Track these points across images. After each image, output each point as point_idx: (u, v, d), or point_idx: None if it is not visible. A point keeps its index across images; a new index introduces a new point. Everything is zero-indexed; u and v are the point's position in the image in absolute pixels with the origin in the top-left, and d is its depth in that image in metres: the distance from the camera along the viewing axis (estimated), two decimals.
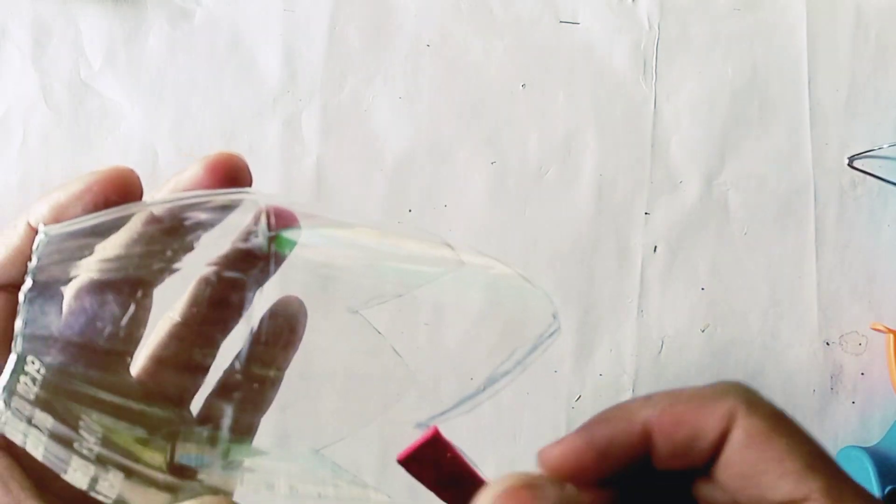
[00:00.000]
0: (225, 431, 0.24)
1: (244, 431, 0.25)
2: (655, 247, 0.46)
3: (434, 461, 0.21)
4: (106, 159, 0.47)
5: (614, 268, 0.46)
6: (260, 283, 0.25)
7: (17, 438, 0.20)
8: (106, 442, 0.21)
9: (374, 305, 0.27)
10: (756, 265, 0.46)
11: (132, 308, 0.24)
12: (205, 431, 0.24)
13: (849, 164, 0.47)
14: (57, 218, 0.23)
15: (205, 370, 0.26)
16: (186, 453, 0.23)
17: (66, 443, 0.21)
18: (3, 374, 0.20)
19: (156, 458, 0.22)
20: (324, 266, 0.26)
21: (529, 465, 0.46)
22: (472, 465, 0.22)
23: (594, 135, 0.47)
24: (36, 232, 0.23)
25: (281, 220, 0.24)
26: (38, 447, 0.20)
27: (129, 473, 0.21)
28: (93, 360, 0.23)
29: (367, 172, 0.47)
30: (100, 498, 0.21)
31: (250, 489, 0.23)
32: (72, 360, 0.22)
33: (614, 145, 0.47)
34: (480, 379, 0.25)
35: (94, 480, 0.21)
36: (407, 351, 0.28)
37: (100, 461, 0.21)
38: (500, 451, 0.45)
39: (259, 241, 0.23)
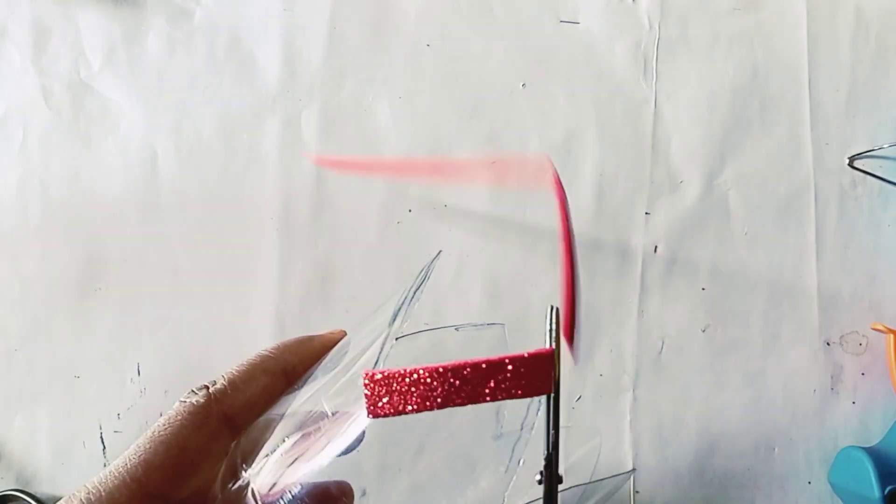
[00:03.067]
0: None
1: None
2: (656, 247, 0.46)
3: None
4: (106, 159, 0.47)
5: (614, 268, 0.46)
6: None
7: None
8: None
9: None
10: (756, 265, 0.46)
11: None
12: None
13: (849, 164, 0.47)
14: None
15: None
16: None
17: None
18: None
19: None
20: None
21: (530, 465, 0.46)
22: None
23: (594, 135, 0.47)
24: None
25: None
26: None
27: None
28: None
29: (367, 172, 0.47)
30: None
31: None
32: None
33: (614, 145, 0.47)
34: None
35: None
36: None
37: None
38: None
39: None
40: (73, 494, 0.25)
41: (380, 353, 0.25)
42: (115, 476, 0.25)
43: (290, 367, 0.29)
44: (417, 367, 0.22)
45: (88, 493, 0.25)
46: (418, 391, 0.22)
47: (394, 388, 0.23)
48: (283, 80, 0.47)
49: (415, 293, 0.26)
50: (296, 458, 0.26)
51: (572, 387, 0.45)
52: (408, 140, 0.47)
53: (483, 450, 0.28)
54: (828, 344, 0.46)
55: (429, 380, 0.22)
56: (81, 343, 0.45)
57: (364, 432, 0.26)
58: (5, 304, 0.46)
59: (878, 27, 0.48)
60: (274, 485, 0.26)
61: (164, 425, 0.26)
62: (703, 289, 0.46)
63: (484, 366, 0.22)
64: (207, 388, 0.27)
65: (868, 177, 0.47)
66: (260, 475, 0.26)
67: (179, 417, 0.26)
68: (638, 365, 0.45)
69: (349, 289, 0.46)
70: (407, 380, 0.22)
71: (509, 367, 0.22)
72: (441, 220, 0.46)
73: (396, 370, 0.23)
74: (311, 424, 0.26)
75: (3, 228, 0.46)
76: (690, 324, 0.46)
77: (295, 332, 0.45)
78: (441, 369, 0.22)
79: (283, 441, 0.26)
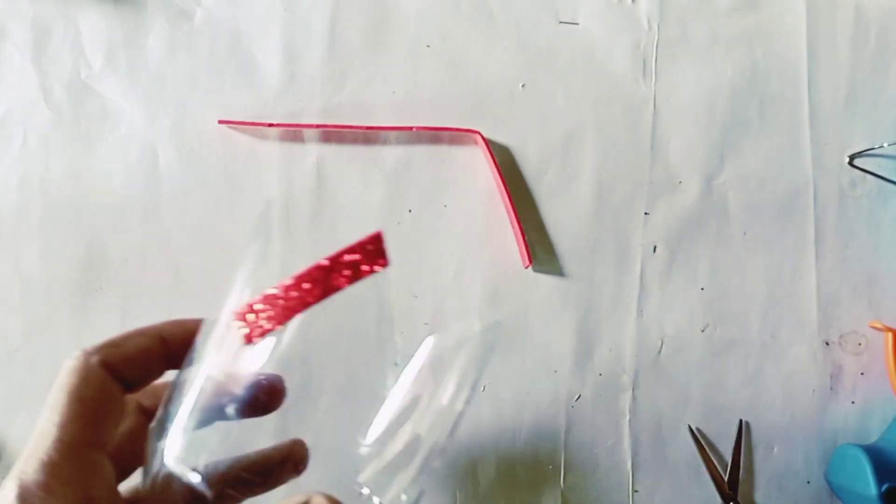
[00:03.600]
0: None
1: None
2: (655, 247, 0.47)
3: None
4: (106, 159, 0.47)
5: (614, 268, 0.46)
6: None
7: None
8: None
9: None
10: (755, 265, 0.46)
11: None
12: None
13: (849, 163, 0.47)
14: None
15: None
16: None
17: None
18: None
19: None
20: None
21: (530, 465, 0.46)
22: None
23: (594, 135, 0.47)
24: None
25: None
26: None
27: None
28: None
29: (367, 172, 0.47)
30: None
31: None
32: None
33: (614, 145, 0.47)
34: None
35: None
36: None
37: None
38: (501, 451, 0.45)
39: None
40: (12, 473, 0.26)
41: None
42: (38, 446, 0.27)
43: (167, 333, 0.31)
44: (271, 288, 0.26)
45: (25, 466, 0.26)
46: (281, 306, 0.26)
47: (261, 314, 0.26)
48: (283, 80, 0.48)
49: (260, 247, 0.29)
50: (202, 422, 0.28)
51: (572, 387, 0.45)
52: (407, 140, 0.47)
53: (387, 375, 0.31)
54: (827, 344, 0.46)
55: (287, 293, 0.26)
56: (82, 343, 0.45)
57: (282, 392, 0.29)
58: (6, 303, 0.46)
59: (878, 27, 0.48)
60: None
61: (55, 391, 0.28)
62: (703, 289, 0.46)
63: (327, 262, 0.26)
64: (82, 349, 0.30)
65: (868, 176, 0.47)
66: (174, 450, 0.28)
67: (64, 379, 0.29)
68: (637, 365, 0.45)
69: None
70: (268, 301, 0.26)
71: (345, 258, 0.26)
72: (441, 220, 0.47)
73: (255, 299, 0.26)
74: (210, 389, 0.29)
75: (3, 229, 0.46)
76: (690, 324, 0.46)
77: None
78: (292, 280, 0.26)
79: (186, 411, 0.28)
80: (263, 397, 0.30)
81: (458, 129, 0.47)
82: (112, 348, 0.30)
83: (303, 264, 0.48)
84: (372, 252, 0.27)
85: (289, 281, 0.26)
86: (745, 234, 0.47)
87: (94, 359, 0.29)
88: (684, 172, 0.47)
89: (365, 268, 0.27)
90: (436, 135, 0.47)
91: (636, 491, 0.45)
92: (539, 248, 0.46)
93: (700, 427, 0.45)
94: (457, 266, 0.46)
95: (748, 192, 0.47)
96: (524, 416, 0.45)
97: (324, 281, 0.26)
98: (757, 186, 0.47)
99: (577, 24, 0.48)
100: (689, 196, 0.47)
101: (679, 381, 0.45)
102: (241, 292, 0.28)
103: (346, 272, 0.26)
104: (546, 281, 0.46)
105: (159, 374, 0.31)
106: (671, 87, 0.48)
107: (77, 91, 0.47)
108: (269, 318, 0.26)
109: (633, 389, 0.45)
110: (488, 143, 0.46)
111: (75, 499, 0.27)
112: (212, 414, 0.28)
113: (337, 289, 0.26)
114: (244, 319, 0.26)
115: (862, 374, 0.45)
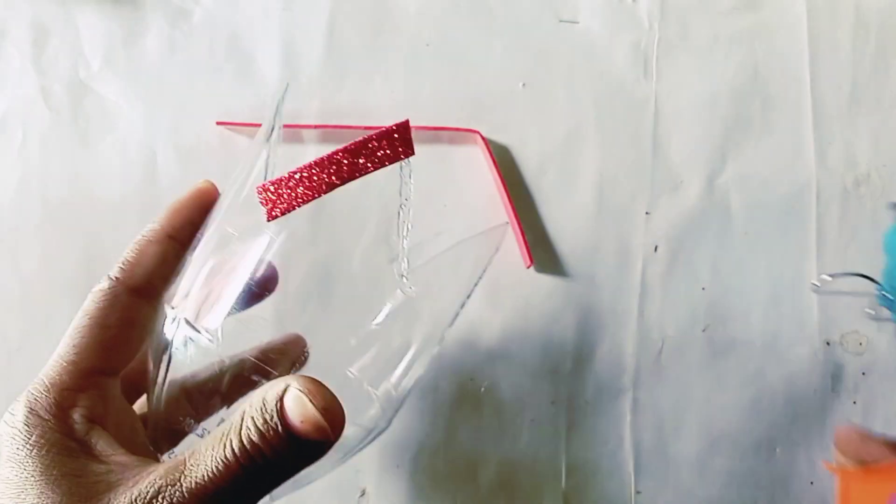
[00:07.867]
0: None
1: None
2: (656, 247, 0.46)
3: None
4: (104, 159, 0.47)
5: (614, 268, 0.46)
6: None
7: None
8: None
9: None
10: (757, 265, 0.46)
11: None
12: None
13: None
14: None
15: None
16: None
17: None
18: None
19: None
20: None
21: (530, 467, 0.46)
22: None
23: (594, 135, 0.47)
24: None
25: None
26: None
27: None
28: None
29: None
30: None
31: None
32: None
33: (614, 145, 0.47)
34: None
35: None
36: None
37: None
38: (501, 452, 0.45)
39: None
40: (21, 395, 0.28)
41: (266, 169, 0.29)
42: (52, 367, 0.28)
43: (173, 229, 0.32)
44: (298, 166, 0.27)
45: (34, 388, 0.28)
46: (304, 185, 0.27)
47: (284, 190, 0.27)
48: (281, 80, 0.47)
49: (277, 110, 0.31)
50: (216, 279, 0.29)
51: (572, 387, 0.45)
52: None
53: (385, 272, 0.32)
54: (828, 343, 0.46)
55: (312, 171, 0.27)
56: None
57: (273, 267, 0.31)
58: (5, 304, 0.46)
59: (878, 25, 0.48)
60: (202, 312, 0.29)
61: (82, 315, 0.29)
62: (704, 289, 0.46)
63: (353, 147, 0.27)
64: (108, 275, 0.30)
65: (871, 175, 0.47)
66: (187, 306, 0.29)
67: (92, 304, 0.29)
68: (638, 365, 0.45)
69: (349, 289, 0.46)
70: (294, 179, 0.27)
71: (374, 143, 0.27)
72: (441, 220, 0.46)
73: (282, 175, 0.27)
74: (222, 250, 0.29)
75: (2, 229, 0.46)
76: (691, 324, 0.46)
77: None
78: (319, 160, 0.27)
79: (199, 272, 0.29)
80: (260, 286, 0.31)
81: (457, 129, 0.46)
82: (134, 268, 0.30)
83: (301, 266, 0.48)
84: (398, 140, 0.27)
85: (314, 162, 0.27)
86: (746, 233, 0.46)
87: (121, 287, 0.30)
88: (686, 172, 0.47)
89: (390, 154, 0.27)
90: (435, 135, 0.47)
91: (638, 492, 0.44)
92: (539, 248, 0.46)
93: (701, 428, 0.45)
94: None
95: (750, 191, 0.47)
96: (524, 417, 0.45)
97: (349, 164, 0.27)
98: (759, 186, 0.47)
99: (578, 23, 0.48)
100: (690, 196, 0.47)
101: (680, 382, 0.45)
102: (268, 155, 0.29)
103: (372, 157, 0.27)
104: (547, 281, 0.46)
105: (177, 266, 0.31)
106: (672, 86, 0.48)
107: (76, 91, 0.47)
108: (289, 197, 0.27)
109: (634, 390, 0.45)
110: (488, 143, 0.46)
111: (82, 421, 0.28)
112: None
113: (362, 173, 0.27)
114: (267, 194, 0.27)
115: (863, 373, 0.45)
